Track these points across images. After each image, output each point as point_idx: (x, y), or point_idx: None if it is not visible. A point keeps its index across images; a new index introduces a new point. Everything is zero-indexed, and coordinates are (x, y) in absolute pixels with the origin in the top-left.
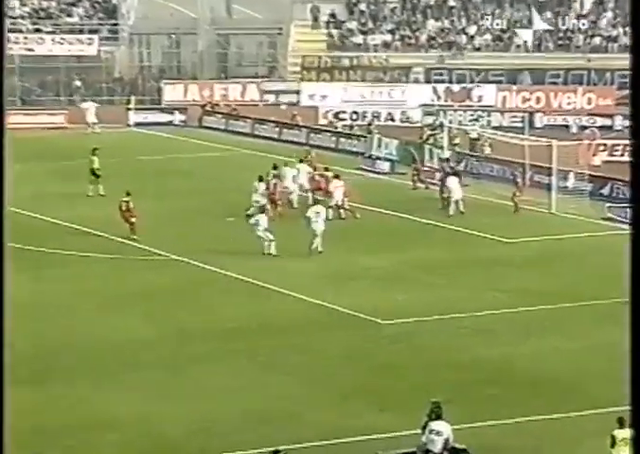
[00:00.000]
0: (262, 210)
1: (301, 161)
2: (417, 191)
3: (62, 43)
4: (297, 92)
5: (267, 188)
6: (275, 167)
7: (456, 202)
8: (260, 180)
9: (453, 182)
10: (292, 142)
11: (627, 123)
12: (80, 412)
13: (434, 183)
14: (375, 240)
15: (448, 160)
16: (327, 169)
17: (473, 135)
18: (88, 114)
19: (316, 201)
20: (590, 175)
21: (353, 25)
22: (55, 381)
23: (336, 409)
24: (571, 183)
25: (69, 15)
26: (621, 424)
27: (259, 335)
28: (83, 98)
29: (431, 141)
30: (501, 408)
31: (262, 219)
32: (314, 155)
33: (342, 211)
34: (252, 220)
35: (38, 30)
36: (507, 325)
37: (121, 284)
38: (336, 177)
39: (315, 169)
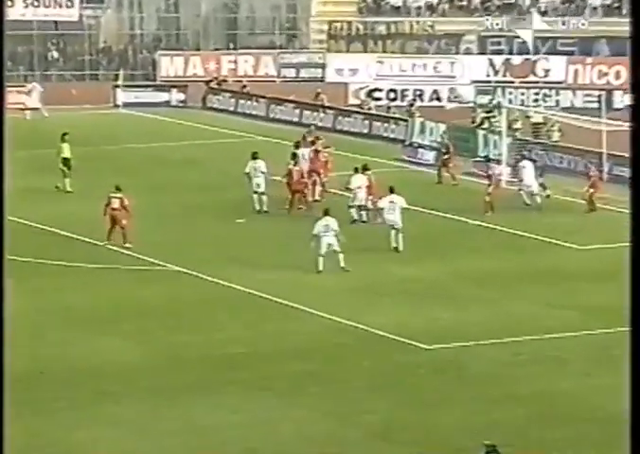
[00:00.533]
0: (326, 210)
1: (297, 146)
2: (458, 186)
3: (36, 6)
4: (322, 65)
5: (288, 174)
6: (297, 146)
7: (531, 195)
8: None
9: (527, 170)
10: (315, 126)
11: None
12: (52, 452)
13: (487, 176)
14: (413, 246)
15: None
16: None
17: (538, 119)
18: (30, 97)
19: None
20: None
21: None
22: (21, 415)
23: (364, 451)
24: None
25: None
26: None
27: (271, 361)
28: (60, 73)
29: (486, 125)
30: (570, 453)
31: (331, 222)
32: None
33: (364, 213)
34: (319, 227)
35: None
36: (579, 351)
37: (107, 299)
38: (364, 169)
39: (317, 153)
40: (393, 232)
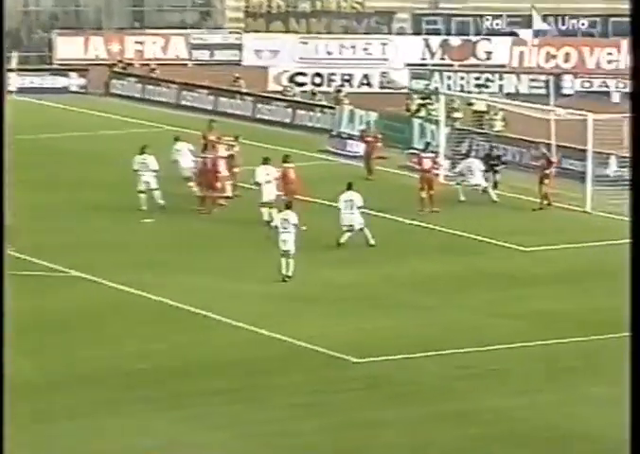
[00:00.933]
0: (289, 204)
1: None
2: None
3: None
4: (239, 47)
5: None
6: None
7: (483, 192)
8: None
9: (475, 165)
10: (232, 115)
11: None
12: None
13: (427, 171)
14: (341, 249)
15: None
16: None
17: (481, 106)
18: None
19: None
20: None
21: None
22: None
23: None
24: (612, 170)
25: None
26: None
27: (183, 377)
28: None
29: (422, 113)
30: None
31: (291, 216)
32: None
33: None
34: (276, 220)
35: None
36: (527, 364)
37: None
38: (285, 160)
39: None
40: (347, 235)
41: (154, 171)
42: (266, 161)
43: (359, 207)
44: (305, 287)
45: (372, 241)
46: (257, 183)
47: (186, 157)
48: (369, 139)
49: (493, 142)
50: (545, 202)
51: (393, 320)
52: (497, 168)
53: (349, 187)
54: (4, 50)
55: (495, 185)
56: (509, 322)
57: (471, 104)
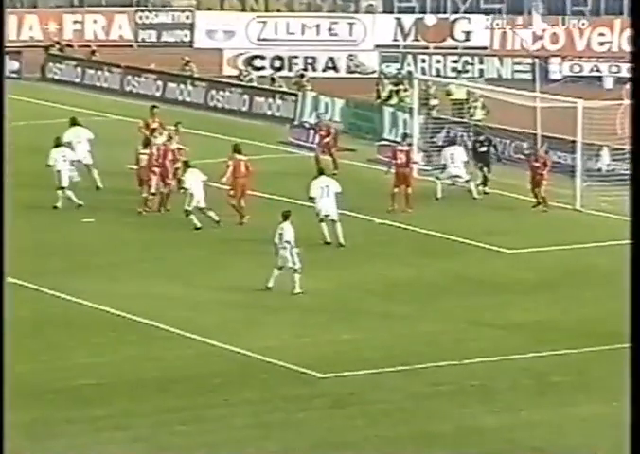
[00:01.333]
0: (287, 214)
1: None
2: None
3: None
4: (190, 27)
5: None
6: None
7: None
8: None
9: (455, 153)
10: (182, 102)
11: None
12: None
13: (402, 165)
14: (305, 251)
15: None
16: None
17: (459, 95)
18: None
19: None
20: None
21: None
22: None
23: None
24: (605, 163)
25: None
26: None
27: (129, 394)
28: None
29: (394, 101)
30: None
31: (287, 230)
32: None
33: (212, 213)
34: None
35: None
36: (510, 380)
37: None
38: (236, 151)
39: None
40: (324, 224)
41: (73, 163)
42: (189, 165)
43: (337, 193)
44: (264, 293)
45: (342, 240)
46: (184, 189)
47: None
48: (323, 132)
49: (472, 132)
50: (543, 208)
51: (361, 331)
52: (487, 160)
53: (322, 172)
54: (4, 50)
55: (485, 181)
56: (490, 332)
57: (449, 94)
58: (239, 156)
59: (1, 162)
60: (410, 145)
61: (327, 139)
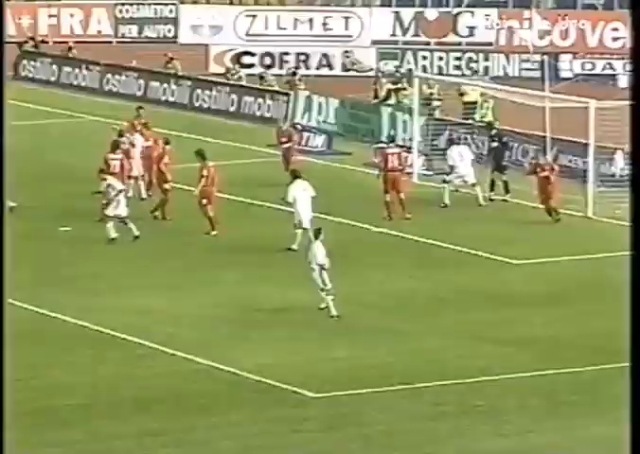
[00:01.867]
0: (317, 232)
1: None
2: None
3: None
4: (174, 21)
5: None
6: (120, 134)
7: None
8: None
9: (464, 152)
10: (165, 103)
11: None
12: None
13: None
14: (296, 263)
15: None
16: (166, 142)
17: (473, 96)
18: None
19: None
20: None
21: None
22: None
23: None
24: (619, 167)
25: None
26: None
27: (108, 416)
28: None
29: (392, 101)
30: None
31: (319, 248)
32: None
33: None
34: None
35: None
36: (517, 399)
37: None
38: (200, 155)
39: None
40: (301, 231)
41: None
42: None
43: (313, 197)
44: (252, 307)
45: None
46: (142, 198)
47: None
48: (284, 139)
49: (483, 135)
50: (556, 217)
51: (357, 347)
52: (503, 163)
53: (297, 176)
54: (4, 50)
55: (507, 187)
56: (497, 349)
57: (462, 94)
58: (209, 163)
59: (1, 162)
60: (402, 147)
61: (288, 144)
